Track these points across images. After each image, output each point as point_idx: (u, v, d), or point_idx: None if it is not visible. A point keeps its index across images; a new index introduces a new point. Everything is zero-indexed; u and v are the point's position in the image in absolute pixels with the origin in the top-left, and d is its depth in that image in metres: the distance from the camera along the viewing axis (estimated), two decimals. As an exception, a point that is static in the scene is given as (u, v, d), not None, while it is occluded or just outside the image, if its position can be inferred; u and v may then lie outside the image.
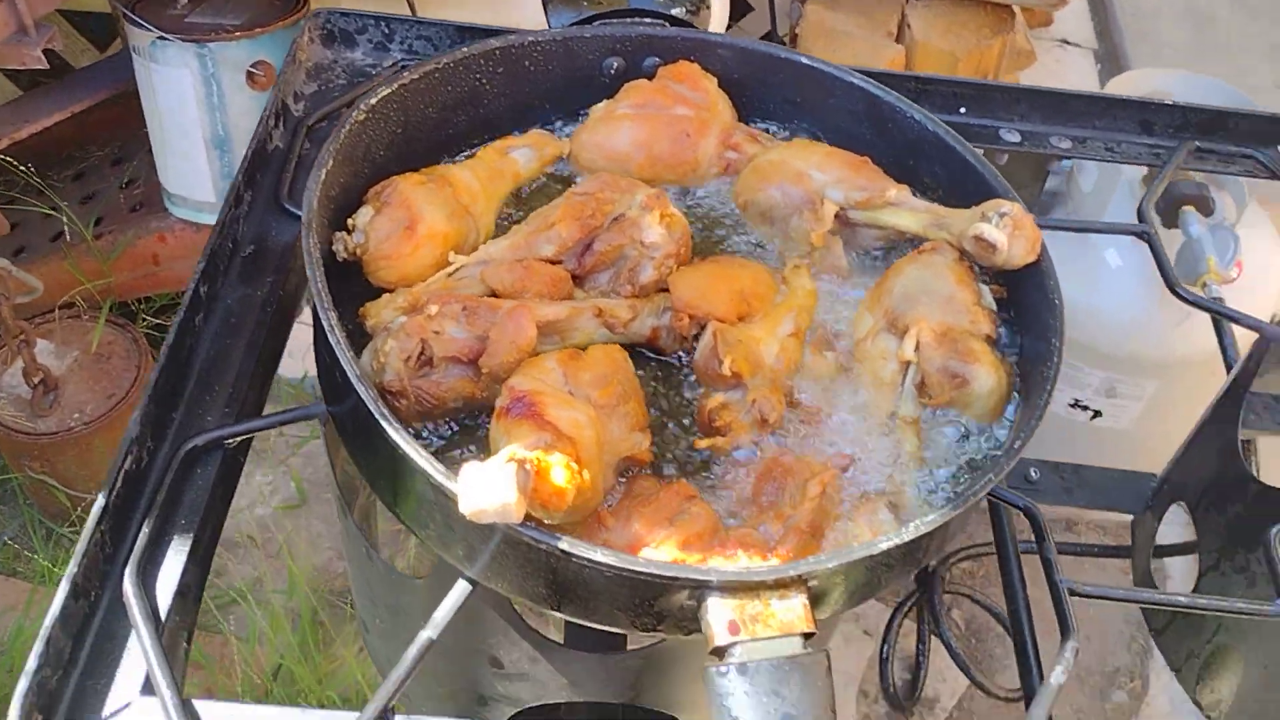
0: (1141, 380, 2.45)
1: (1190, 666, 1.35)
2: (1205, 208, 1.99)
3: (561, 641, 1.38)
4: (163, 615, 0.96)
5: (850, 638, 2.67)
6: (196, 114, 2.26)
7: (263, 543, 2.66)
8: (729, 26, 3.09)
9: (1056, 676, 0.96)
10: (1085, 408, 2.51)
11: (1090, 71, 3.63)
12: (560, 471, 0.87)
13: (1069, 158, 1.41)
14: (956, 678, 2.59)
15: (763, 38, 2.88)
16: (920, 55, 2.53)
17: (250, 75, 2.20)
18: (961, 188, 1.18)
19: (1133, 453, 2.51)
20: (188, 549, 1.00)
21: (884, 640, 2.51)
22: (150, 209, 2.53)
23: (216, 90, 2.22)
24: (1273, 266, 2.44)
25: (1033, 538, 1.09)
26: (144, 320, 2.76)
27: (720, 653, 0.86)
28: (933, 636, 2.54)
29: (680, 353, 1.12)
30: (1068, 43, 3.74)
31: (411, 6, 2.37)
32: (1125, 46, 3.73)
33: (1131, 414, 2.52)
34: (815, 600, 0.93)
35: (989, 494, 1.05)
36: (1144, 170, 2.09)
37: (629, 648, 1.23)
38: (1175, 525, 1.48)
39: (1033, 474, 1.48)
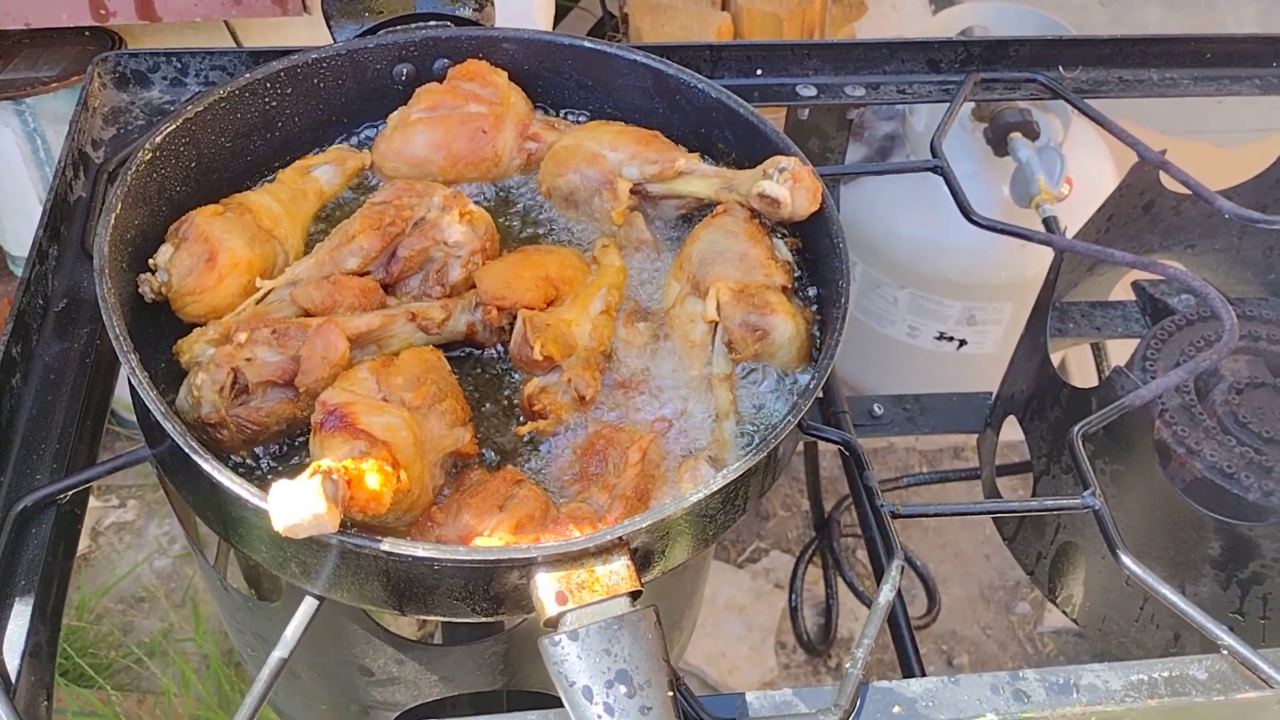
0: (997, 304, 2.54)
1: (1041, 568, 1.42)
2: (1030, 132, 2.06)
3: (441, 641, 1.40)
4: (13, 676, 0.97)
5: (762, 593, 2.73)
6: (27, 172, 2.21)
7: (167, 593, 2.63)
8: (565, 16, 3.12)
9: (885, 595, 1.01)
10: (950, 339, 2.60)
11: (924, 14, 3.71)
12: (373, 476, 0.90)
13: (865, 105, 1.46)
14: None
15: (596, 24, 2.91)
16: (746, 20, 2.58)
17: (74, 126, 2.16)
18: (750, 148, 1.22)
19: (1000, 375, 2.61)
20: (32, 608, 1.01)
21: (791, 590, 2.59)
22: (-3, 275, 2.47)
23: (43, 145, 2.18)
24: (1104, 178, 2.55)
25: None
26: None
27: (554, 624, 0.89)
28: (838, 579, 2.62)
29: (499, 345, 1.15)
30: (899, -12, 3.82)
31: (235, 38, 2.35)
32: (958, -17, 3.82)
33: (994, 338, 2.62)
34: (646, 559, 0.97)
35: (808, 434, 1.10)
36: (972, 105, 2.17)
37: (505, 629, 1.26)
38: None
39: (876, 409, 1.54)
